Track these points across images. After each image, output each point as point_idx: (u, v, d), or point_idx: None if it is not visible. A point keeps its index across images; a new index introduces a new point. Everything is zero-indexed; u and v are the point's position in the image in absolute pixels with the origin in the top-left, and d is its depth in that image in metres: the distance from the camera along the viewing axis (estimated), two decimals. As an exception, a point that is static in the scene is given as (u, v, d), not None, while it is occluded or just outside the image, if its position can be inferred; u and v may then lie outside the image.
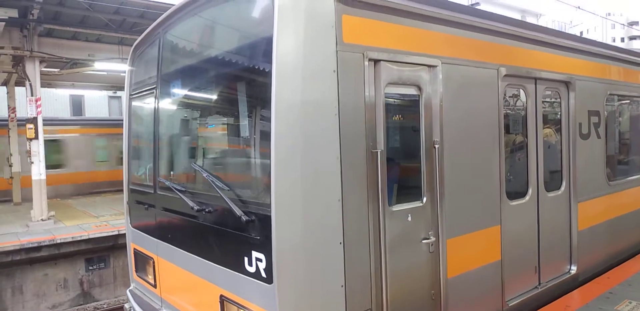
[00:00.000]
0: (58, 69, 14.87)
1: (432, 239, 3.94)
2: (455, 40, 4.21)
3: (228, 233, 3.66)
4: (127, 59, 5.90)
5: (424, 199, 3.94)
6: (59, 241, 11.18)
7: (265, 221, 3.14)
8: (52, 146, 19.05)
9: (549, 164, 5.40)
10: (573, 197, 5.62)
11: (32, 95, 12.51)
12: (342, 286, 3.26)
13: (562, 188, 5.56)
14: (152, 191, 4.98)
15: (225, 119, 5.41)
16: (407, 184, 4.17)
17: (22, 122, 13.66)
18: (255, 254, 3.29)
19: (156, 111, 5.00)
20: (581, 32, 70.84)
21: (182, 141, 5.44)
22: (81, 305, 11.88)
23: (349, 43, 3.32)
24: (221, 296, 3.73)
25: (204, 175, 4.03)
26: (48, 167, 18.89)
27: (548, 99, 5.62)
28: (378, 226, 3.50)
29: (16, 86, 16.96)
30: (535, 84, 5.21)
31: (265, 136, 3.20)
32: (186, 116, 5.47)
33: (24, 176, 16.41)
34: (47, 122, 17.35)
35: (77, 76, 16.22)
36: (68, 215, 14.41)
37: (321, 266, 3.20)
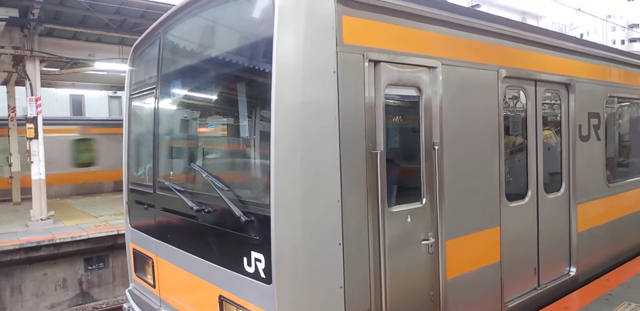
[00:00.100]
0: (58, 69, 14.87)
1: (432, 240, 3.94)
2: (456, 42, 4.21)
3: (227, 233, 3.65)
4: (127, 59, 5.91)
5: (424, 201, 3.94)
6: (58, 241, 11.17)
7: (264, 222, 3.14)
8: (85, 144, 20.04)
9: (548, 165, 5.40)
10: (572, 199, 5.62)
11: (32, 94, 12.49)
12: (341, 287, 3.26)
13: (562, 190, 5.56)
14: (152, 191, 4.98)
15: (225, 119, 5.40)
16: (407, 185, 4.17)
17: (22, 122, 13.66)
18: (254, 254, 3.29)
19: (156, 111, 5.00)
20: (581, 35, 70.77)
21: (181, 141, 5.44)
22: (80, 304, 11.86)
23: (349, 44, 3.32)
24: (220, 296, 3.72)
25: (204, 175, 4.03)
26: (81, 165, 19.94)
27: (548, 101, 5.62)
28: (377, 227, 3.50)
29: (16, 85, 16.95)
30: (535, 86, 5.21)
31: (265, 136, 3.20)
32: (186, 116, 5.46)
33: (23, 176, 16.41)
34: (80, 122, 20.22)
35: (78, 76, 16.21)
36: (67, 215, 14.39)
37: (320, 267, 3.20)
